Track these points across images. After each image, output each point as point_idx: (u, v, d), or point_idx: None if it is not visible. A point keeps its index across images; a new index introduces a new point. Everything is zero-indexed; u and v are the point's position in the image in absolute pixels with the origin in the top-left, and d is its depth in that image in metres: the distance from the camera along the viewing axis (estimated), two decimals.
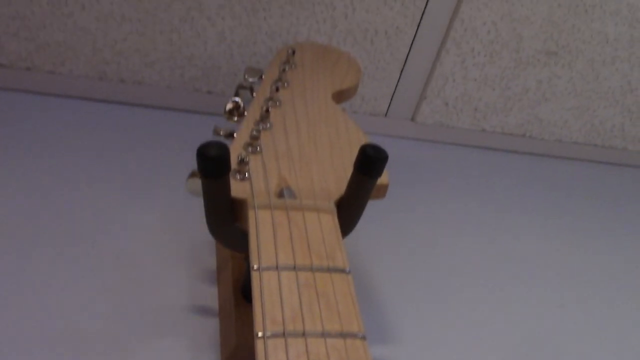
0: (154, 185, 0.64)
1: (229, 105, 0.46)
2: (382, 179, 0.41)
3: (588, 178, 0.88)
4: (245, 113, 0.45)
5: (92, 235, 0.57)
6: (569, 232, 0.76)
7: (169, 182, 0.64)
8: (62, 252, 0.54)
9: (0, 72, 0.71)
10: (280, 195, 0.38)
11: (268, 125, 0.44)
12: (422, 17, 0.73)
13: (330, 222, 0.36)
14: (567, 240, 0.74)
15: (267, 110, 0.44)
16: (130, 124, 0.72)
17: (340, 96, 0.52)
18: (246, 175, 0.39)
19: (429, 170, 0.80)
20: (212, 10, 0.69)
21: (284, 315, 0.30)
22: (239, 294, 0.50)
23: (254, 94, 0.49)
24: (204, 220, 0.38)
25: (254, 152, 0.41)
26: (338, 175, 0.41)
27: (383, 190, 0.42)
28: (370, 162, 0.35)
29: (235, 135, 0.43)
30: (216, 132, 0.44)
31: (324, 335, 0.29)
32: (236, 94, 0.49)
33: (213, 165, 0.34)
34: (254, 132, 0.42)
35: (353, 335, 0.30)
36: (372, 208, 0.43)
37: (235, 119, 0.46)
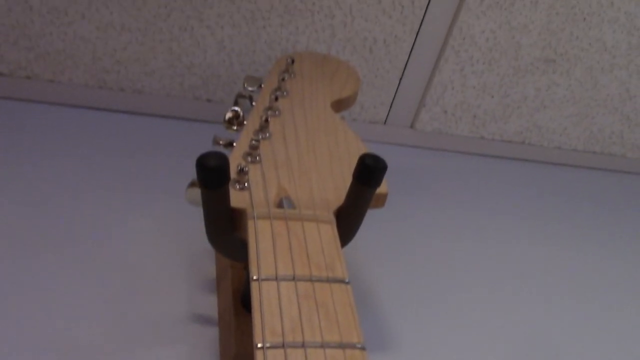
0: (154, 193, 0.64)
1: (229, 115, 0.46)
2: (382, 188, 0.41)
3: (587, 185, 0.88)
4: (245, 122, 0.46)
5: (92, 244, 0.57)
6: (568, 239, 0.76)
7: (169, 190, 0.64)
8: (61, 261, 0.54)
9: (0, 81, 0.71)
10: (280, 205, 0.38)
11: (267, 134, 0.44)
12: (420, 26, 0.73)
13: (330, 232, 0.36)
14: (566, 247, 0.74)
15: (267, 120, 0.44)
16: (130, 133, 0.72)
17: (339, 105, 0.52)
18: (245, 185, 0.39)
19: (428, 177, 0.80)
20: (211, 19, 0.69)
21: (283, 326, 0.30)
22: (239, 303, 0.50)
23: (253, 103, 0.49)
24: (204, 229, 0.39)
25: (254, 161, 0.41)
26: (337, 185, 0.41)
27: (382, 200, 0.42)
28: (369, 172, 0.35)
29: (234, 144, 0.43)
30: (216, 141, 0.44)
31: (323, 346, 0.29)
32: (235, 103, 0.49)
33: (212, 175, 0.34)
34: (253, 142, 0.42)
35: (352, 346, 0.30)
36: (371, 215, 0.43)
37: (235, 128, 0.46)
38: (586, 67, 0.79)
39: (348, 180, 0.37)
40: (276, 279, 0.32)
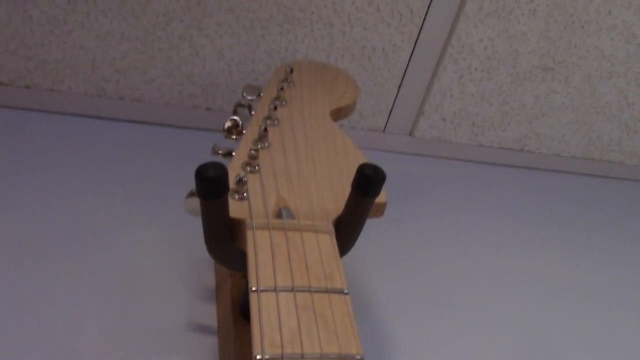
0: (153, 202, 0.64)
1: (228, 124, 0.46)
2: (380, 198, 0.41)
3: (586, 192, 0.88)
4: (244, 131, 0.46)
5: (91, 253, 0.57)
6: (567, 246, 0.76)
7: (168, 199, 0.64)
8: (60, 270, 0.54)
9: (0, 90, 0.71)
10: (279, 215, 0.38)
11: (266, 144, 0.44)
12: (419, 34, 0.74)
13: (329, 242, 0.36)
14: (565, 253, 0.74)
15: (266, 129, 0.44)
16: (129, 141, 0.72)
17: (338, 114, 0.52)
18: (244, 195, 0.39)
19: (427, 185, 0.80)
20: (210, 28, 0.70)
21: (282, 337, 0.30)
22: (238, 312, 0.50)
23: (253, 112, 0.49)
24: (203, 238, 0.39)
25: (253, 171, 0.41)
26: (336, 195, 0.41)
27: (381, 209, 0.42)
28: (368, 182, 0.35)
29: (233, 154, 0.43)
30: (215, 151, 0.44)
31: (322, 357, 0.29)
32: (235, 112, 0.49)
33: (211, 186, 0.34)
34: (252, 152, 0.42)
35: (351, 357, 0.30)
36: (371, 222, 0.43)
37: (234, 137, 0.46)
38: (584, 75, 0.80)
39: (347, 189, 0.37)
40: (275, 290, 0.32)
